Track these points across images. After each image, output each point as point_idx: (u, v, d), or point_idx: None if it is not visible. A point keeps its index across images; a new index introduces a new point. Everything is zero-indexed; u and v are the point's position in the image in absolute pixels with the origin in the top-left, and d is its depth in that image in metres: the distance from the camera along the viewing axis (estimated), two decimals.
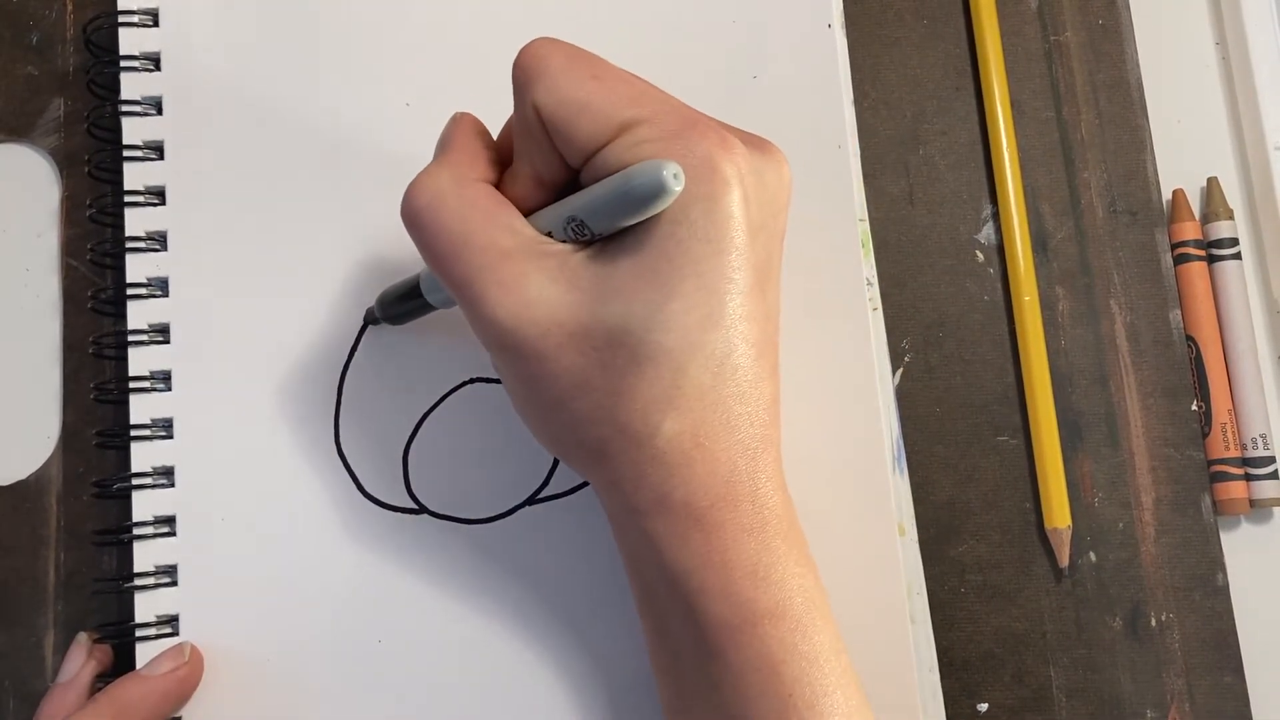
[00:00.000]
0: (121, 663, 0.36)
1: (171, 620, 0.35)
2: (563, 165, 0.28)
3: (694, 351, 0.26)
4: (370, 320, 0.37)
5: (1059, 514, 0.38)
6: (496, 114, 0.38)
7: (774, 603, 0.27)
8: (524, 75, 0.27)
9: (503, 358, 0.28)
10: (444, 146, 0.30)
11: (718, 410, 0.27)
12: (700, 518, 0.27)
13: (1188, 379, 0.40)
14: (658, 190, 0.24)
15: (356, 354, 0.37)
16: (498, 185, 0.29)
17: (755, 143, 0.28)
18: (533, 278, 0.27)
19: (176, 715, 0.34)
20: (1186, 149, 0.43)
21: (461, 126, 0.30)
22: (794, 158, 0.30)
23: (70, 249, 0.39)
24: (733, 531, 0.27)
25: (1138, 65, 0.42)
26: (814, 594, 0.28)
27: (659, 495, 0.28)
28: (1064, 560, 0.38)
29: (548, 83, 0.27)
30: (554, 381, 0.28)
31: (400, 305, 0.35)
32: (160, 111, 0.38)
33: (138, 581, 0.35)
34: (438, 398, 0.37)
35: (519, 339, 0.27)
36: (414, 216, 0.28)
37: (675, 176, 0.24)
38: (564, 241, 0.28)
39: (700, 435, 0.27)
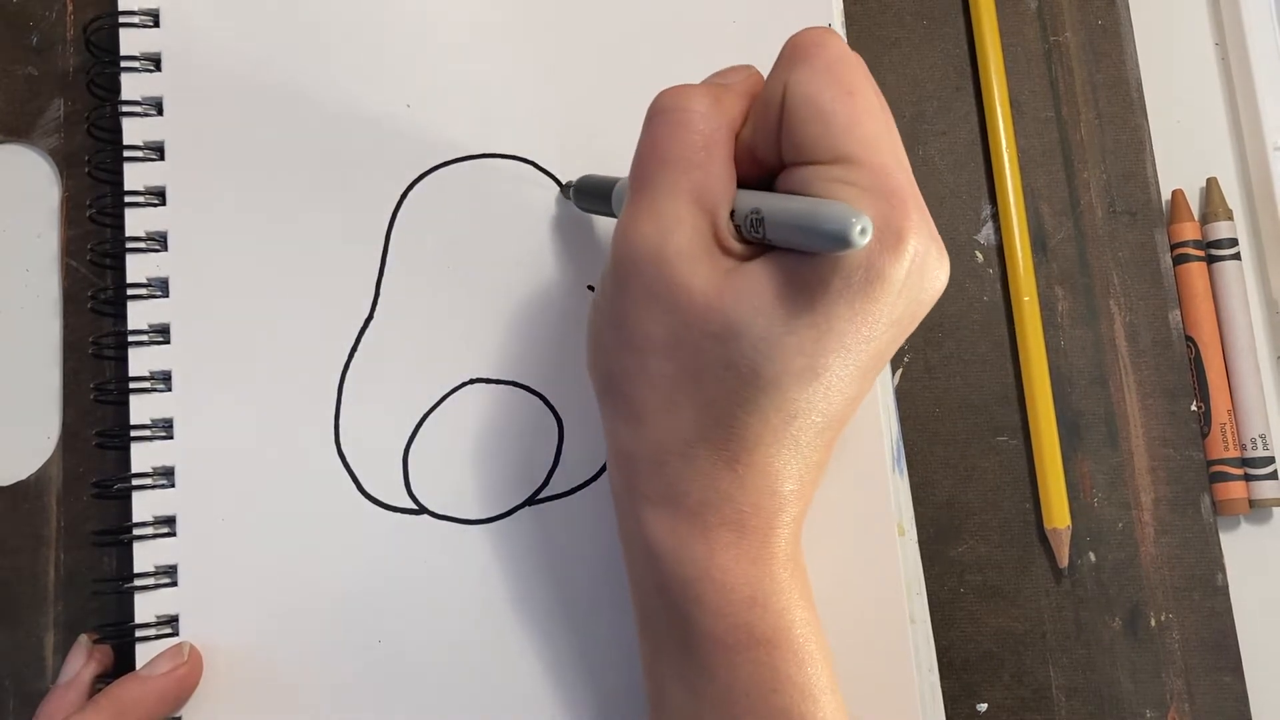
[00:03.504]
0: (122, 663, 0.36)
1: (171, 620, 0.35)
2: (777, 153, 0.27)
3: (777, 392, 0.26)
4: (563, 191, 0.37)
5: (1059, 514, 0.38)
6: (496, 112, 0.38)
7: (772, 630, 0.27)
8: (794, 53, 0.27)
9: (624, 273, 0.28)
10: (728, 85, 0.29)
11: (768, 451, 0.27)
12: (706, 532, 0.27)
13: (1187, 379, 0.40)
14: (841, 236, 0.24)
15: (356, 354, 0.37)
16: None
17: (938, 243, 0.27)
18: (700, 243, 0.27)
19: (176, 715, 0.34)
20: (1186, 149, 0.43)
21: (751, 78, 0.30)
22: None
23: (70, 249, 0.39)
24: (735, 555, 0.27)
25: (1138, 65, 0.42)
26: (814, 628, 0.28)
27: (673, 491, 0.27)
28: (1064, 560, 0.38)
29: (809, 71, 0.26)
30: (647, 326, 0.27)
31: (589, 197, 0.35)
32: (160, 112, 0.38)
33: (138, 582, 0.35)
34: (438, 398, 0.37)
35: (652, 273, 0.27)
36: (656, 112, 0.28)
37: (862, 232, 0.23)
38: (737, 228, 0.27)
39: (739, 462, 0.27)
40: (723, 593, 0.27)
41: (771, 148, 0.27)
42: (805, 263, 0.26)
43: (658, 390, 0.27)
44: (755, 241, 0.27)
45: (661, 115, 0.28)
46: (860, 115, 0.26)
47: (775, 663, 0.27)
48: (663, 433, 0.27)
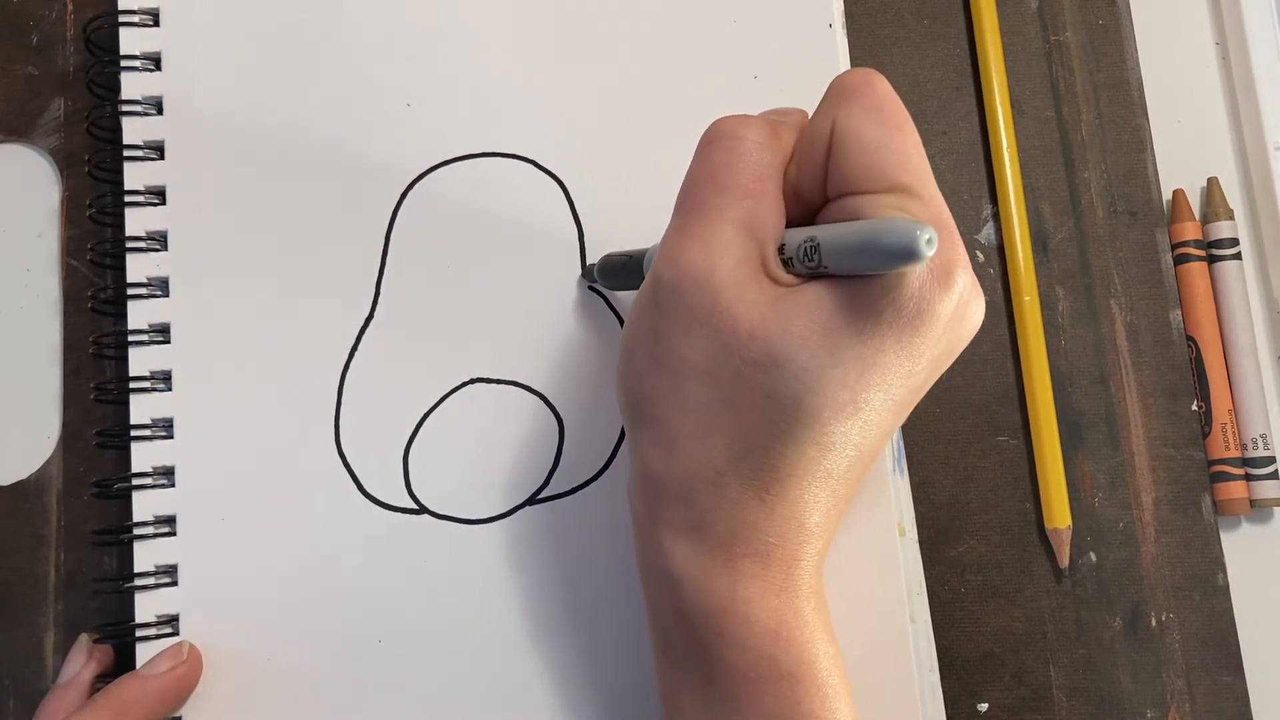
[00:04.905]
0: (122, 663, 0.36)
1: (171, 620, 0.35)
2: (820, 190, 0.27)
3: (817, 425, 0.26)
4: (588, 278, 0.37)
5: (1059, 514, 0.38)
6: (496, 112, 0.38)
7: (795, 663, 0.27)
8: (842, 91, 0.27)
9: (666, 295, 0.27)
10: (783, 122, 0.29)
11: (800, 483, 0.27)
12: (731, 563, 0.27)
13: (1188, 379, 0.40)
14: (908, 248, 0.23)
15: (356, 354, 0.37)
16: None
17: (977, 282, 0.27)
18: (748, 271, 0.26)
19: (176, 715, 0.34)
20: (1186, 149, 0.43)
21: (804, 118, 0.30)
22: None
23: (70, 249, 0.39)
24: (759, 588, 0.27)
25: (1138, 65, 0.42)
26: (836, 661, 0.28)
27: (700, 520, 0.27)
28: (1064, 560, 0.38)
29: (859, 108, 0.26)
30: (686, 350, 0.27)
31: (617, 275, 0.35)
32: (160, 111, 0.38)
33: (138, 581, 0.35)
34: (438, 398, 0.37)
35: (697, 296, 0.26)
36: (713, 138, 0.28)
37: (929, 242, 0.23)
38: (787, 261, 0.27)
39: (769, 492, 0.27)
40: (746, 625, 0.27)
41: (816, 184, 0.27)
42: (857, 292, 0.25)
43: (691, 416, 0.27)
44: (806, 274, 0.26)
45: (717, 142, 0.28)
46: (910, 150, 0.26)
47: (798, 696, 0.27)
48: (693, 460, 0.27)
